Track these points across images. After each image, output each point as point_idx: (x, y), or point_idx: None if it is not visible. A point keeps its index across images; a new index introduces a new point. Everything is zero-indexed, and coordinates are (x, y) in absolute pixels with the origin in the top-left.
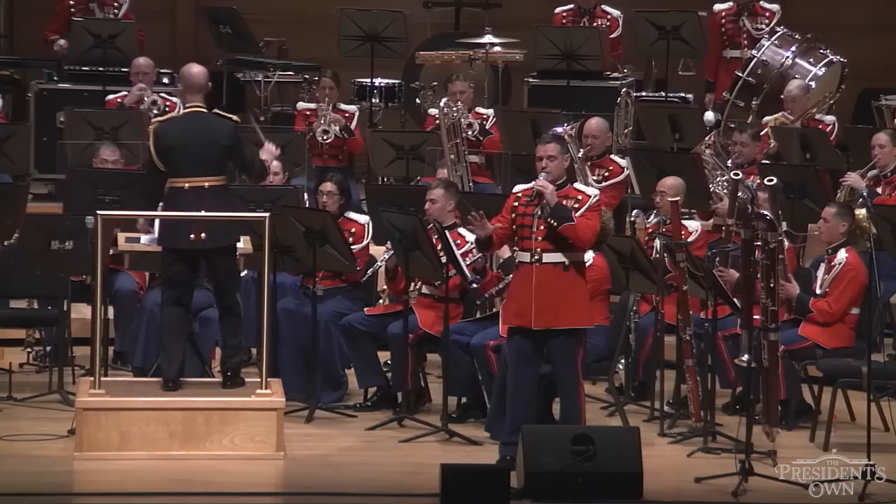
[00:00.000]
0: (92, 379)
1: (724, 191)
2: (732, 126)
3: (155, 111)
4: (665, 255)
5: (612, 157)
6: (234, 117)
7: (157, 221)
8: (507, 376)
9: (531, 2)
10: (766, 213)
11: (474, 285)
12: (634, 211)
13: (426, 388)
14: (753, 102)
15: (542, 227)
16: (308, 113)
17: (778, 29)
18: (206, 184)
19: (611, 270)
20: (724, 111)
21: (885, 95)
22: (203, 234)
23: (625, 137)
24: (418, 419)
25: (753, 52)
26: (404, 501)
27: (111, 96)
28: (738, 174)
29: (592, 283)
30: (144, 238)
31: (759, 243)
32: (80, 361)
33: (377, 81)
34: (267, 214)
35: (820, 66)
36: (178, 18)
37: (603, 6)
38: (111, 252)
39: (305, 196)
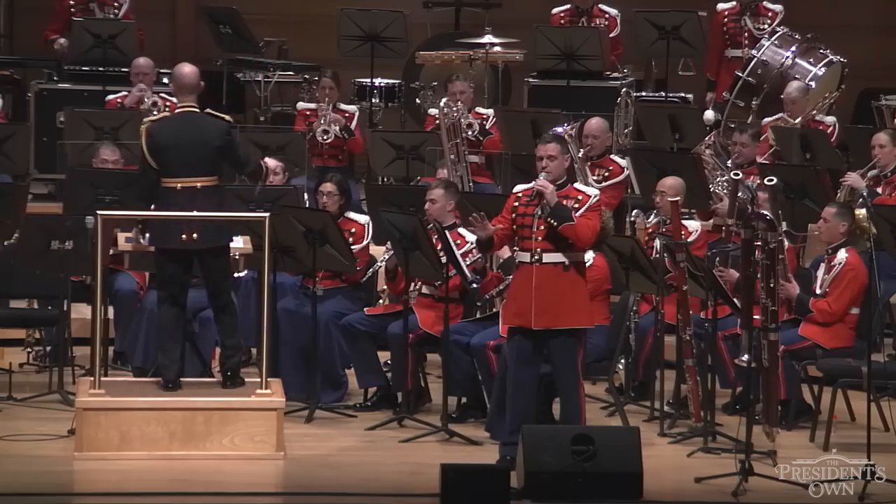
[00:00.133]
0: (92, 379)
1: (724, 191)
2: (732, 126)
3: (155, 112)
4: (665, 255)
5: (612, 157)
6: (227, 117)
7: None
8: (507, 376)
9: (531, 2)
10: (766, 213)
11: (474, 285)
12: (634, 211)
13: (426, 388)
14: (753, 102)
15: (542, 227)
16: (308, 113)
17: (778, 29)
18: (199, 184)
19: (611, 270)
20: (724, 111)
21: (885, 95)
22: (195, 235)
23: (625, 137)
24: (418, 419)
25: (753, 52)
26: (404, 501)
27: (111, 96)
28: (738, 174)
29: (592, 283)
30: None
31: (759, 243)
32: (80, 361)
33: (377, 81)
34: (267, 214)
35: (820, 66)
36: (178, 18)
37: (600, 5)
38: (111, 252)
39: (305, 196)
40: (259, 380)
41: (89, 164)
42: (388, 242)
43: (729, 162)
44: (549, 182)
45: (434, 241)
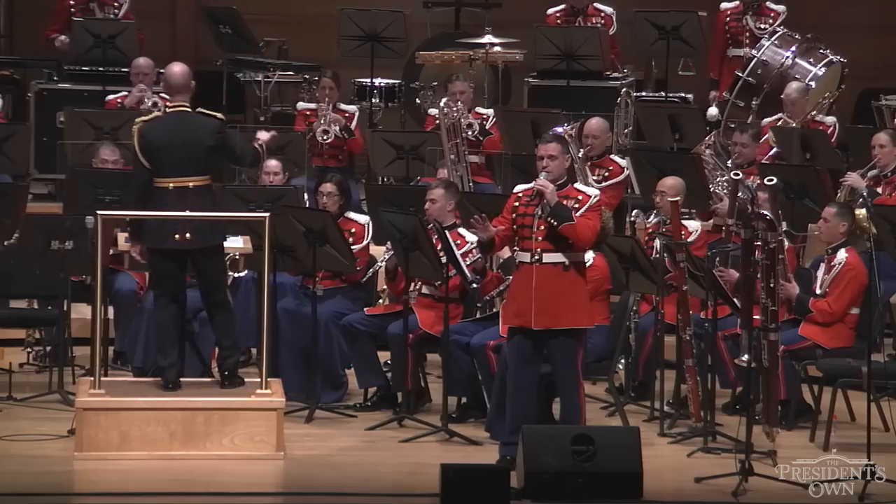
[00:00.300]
0: (92, 379)
1: (724, 191)
2: (732, 126)
3: (156, 112)
4: (665, 255)
5: (612, 157)
6: (219, 115)
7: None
8: (507, 376)
9: (531, 2)
10: (766, 213)
11: (474, 285)
12: (634, 211)
13: (426, 388)
14: (753, 102)
15: (542, 227)
16: (308, 113)
17: (778, 29)
18: (190, 184)
19: (611, 270)
20: (724, 111)
21: (885, 95)
22: (188, 235)
23: (625, 137)
24: (418, 419)
25: (753, 51)
26: (404, 501)
27: (111, 96)
28: (738, 174)
29: (593, 284)
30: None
31: (759, 243)
32: (80, 361)
33: (377, 81)
34: (267, 214)
35: (820, 66)
36: (178, 18)
37: (595, 4)
38: (111, 252)
39: (305, 196)
40: (259, 380)
41: (89, 164)
42: (388, 242)
43: (729, 162)
44: (549, 182)
45: (434, 241)
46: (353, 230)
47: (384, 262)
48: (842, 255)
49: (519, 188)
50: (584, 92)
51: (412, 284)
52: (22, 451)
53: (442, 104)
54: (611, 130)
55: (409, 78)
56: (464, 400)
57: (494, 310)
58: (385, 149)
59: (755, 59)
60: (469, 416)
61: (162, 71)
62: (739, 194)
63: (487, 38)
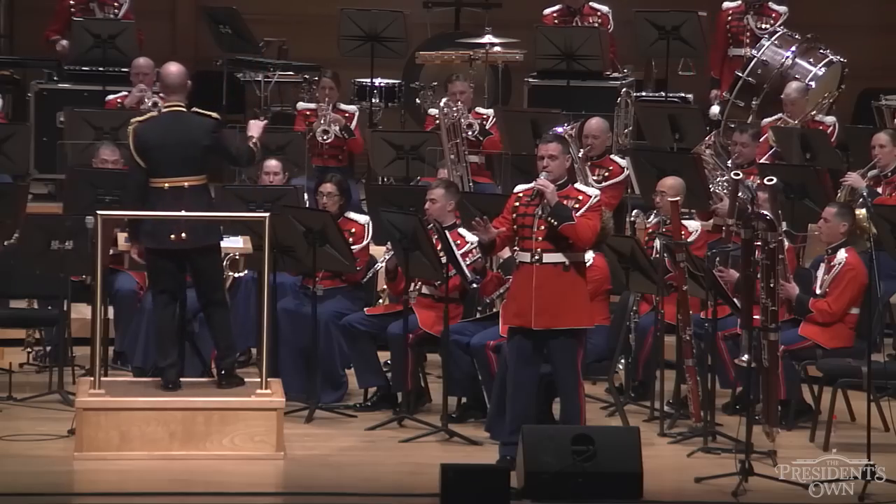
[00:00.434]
0: (92, 379)
1: (724, 191)
2: (732, 126)
3: (151, 112)
4: (665, 255)
5: (612, 157)
6: (214, 115)
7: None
8: (507, 376)
9: (531, 2)
10: (766, 213)
11: (474, 285)
12: (634, 211)
13: (426, 388)
14: (753, 102)
15: (542, 227)
16: (308, 113)
17: (778, 29)
18: (186, 184)
19: (611, 270)
20: (724, 111)
21: (885, 95)
22: (184, 235)
23: (625, 137)
24: (418, 419)
25: (753, 51)
26: (404, 501)
27: (111, 96)
28: (738, 174)
29: (593, 284)
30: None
31: (759, 243)
32: (80, 361)
33: (377, 81)
34: (267, 214)
35: (820, 66)
36: (178, 18)
37: (591, 3)
38: (111, 252)
39: (305, 196)
40: (259, 380)
41: (89, 164)
42: (389, 243)
43: (729, 162)
44: (549, 182)
45: (434, 241)
46: (353, 230)
47: (384, 263)
48: (842, 255)
49: (519, 188)
50: (584, 92)
51: (412, 284)
52: (22, 451)
53: (442, 104)
54: (611, 130)
55: (409, 78)
56: (464, 400)
57: (494, 310)
58: (385, 149)
59: (755, 59)
60: (469, 416)
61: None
62: (739, 194)
63: (487, 38)
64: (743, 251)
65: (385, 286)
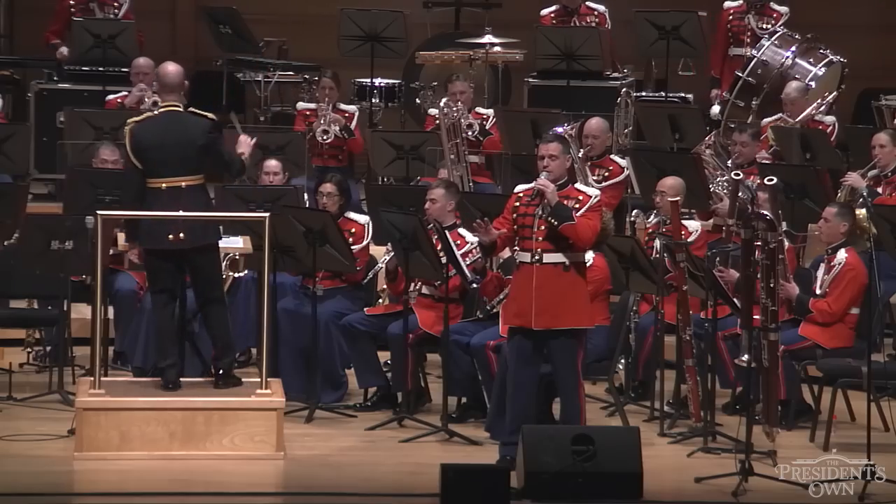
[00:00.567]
0: (92, 379)
1: (724, 191)
2: (732, 126)
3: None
4: (665, 255)
5: (612, 157)
6: (210, 115)
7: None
8: (507, 376)
9: (531, 2)
10: (766, 213)
11: (474, 285)
12: (634, 211)
13: (426, 388)
14: (753, 102)
15: (542, 228)
16: (308, 113)
17: (778, 29)
18: (183, 183)
19: (611, 270)
20: (724, 111)
21: (885, 95)
22: (182, 235)
23: (625, 137)
24: (418, 419)
25: (753, 51)
26: (404, 501)
27: (111, 96)
28: (738, 174)
29: (593, 284)
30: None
31: (759, 243)
32: (80, 361)
33: (377, 81)
34: (267, 214)
35: (820, 66)
36: (178, 18)
37: (588, 3)
38: (111, 252)
39: (305, 196)
40: (259, 380)
41: (89, 164)
42: (389, 244)
43: (729, 162)
44: (550, 182)
45: (434, 241)
46: (353, 230)
47: (384, 264)
48: (842, 255)
49: (520, 188)
50: (584, 92)
51: (412, 284)
52: (22, 451)
53: (442, 104)
54: (611, 130)
55: (409, 78)
56: (464, 400)
57: (494, 310)
58: (385, 149)
59: (755, 59)
60: (469, 416)
61: None
62: (739, 194)
63: (487, 38)
64: (743, 251)
65: (385, 286)
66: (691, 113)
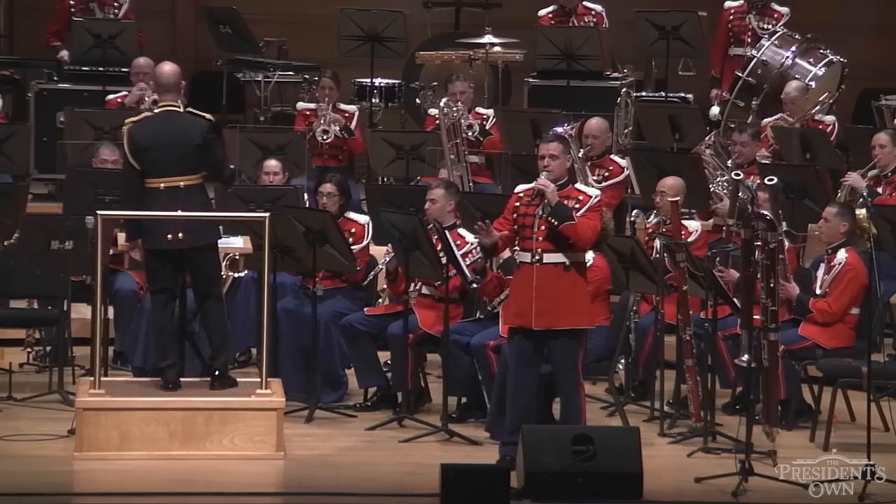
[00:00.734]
0: (92, 379)
1: (724, 191)
2: (732, 126)
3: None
4: (665, 255)
5: (612, 157)
6: (208, 115)
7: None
8: (507, 376)
9: (531, 2)
10: (766, 213)
11: (474, 285)
12: (634, 211)
13: (426, 388)
14: (753, 102)
15: (542, 228)
16: (308, 113)
17: (778, 29)
18: (181, 183)
19: (611, 270)
20: (724, 111)
21: (885, 95)
22: (181, 234)
23: (625, 137)
24: (418, 419)
25: (753, 51)
26: (404, 501)
27: (111, 96)
28: (738, 174)
29: (593, 284)
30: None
31: (759, 243)
32: (80, 361)
33: (377, 81)
34: (267, 214)
35: (820, 66)
36: (178, 18)
37: (585, 3)
38: (111, 252)
39: (305, 196)
40: (259, 380)
41: (89, 164)
42: (389, 244)
43: (729, 162)
44: (550, 182)
45: (434, 241)
46: (353, 230)
47: (384, 264)
48: (842, 255)
49: (520, 188)
50: (584, 92)
51: (412, 284)
52: (22, 451)
53: (442, 104)
54: (611, 130)
55: (409, 78)
56: (464, 400)
57: (495, 310)
58: (385, 149)
59: (755, 59)
60: (469, 416)
61: None
62: (739, 194)
63: (487, 38)
64: (743, 251)
65: (385, 286)
66: (691, 113)
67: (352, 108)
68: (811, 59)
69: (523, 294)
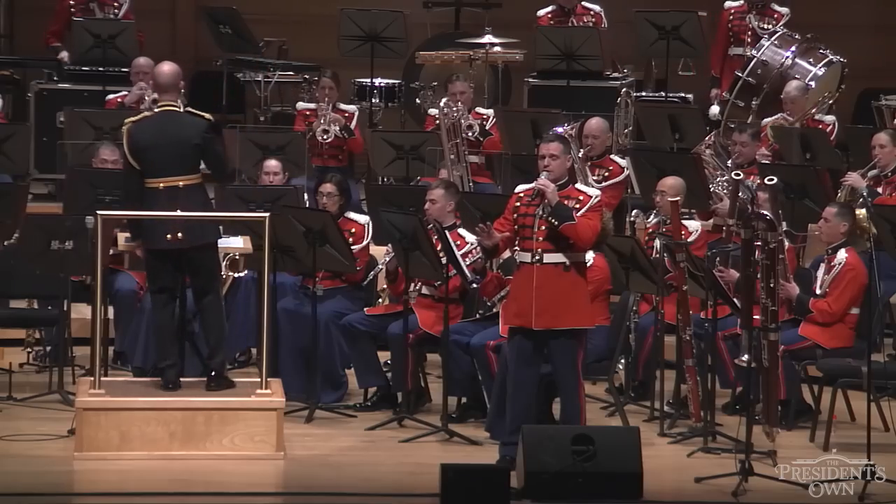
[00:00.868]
0: (92, 379)
1: (724, 191)
2: (732, 126)
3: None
4: (665, 255)
5: (612, 157)
6: (207, 115)
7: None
8: (507, 376)
9: (531, 2)
10: (766, 213)
11: (474, 285)
12: (634, 211)
13: (426, 388)
14: (753, 102)
15: (543, 228)
16: (308, 113)
17: (778, 29)
18: (181, 183)
19: (611, 270)
20: (724, 111)
21: (885, 95)
22: (180, 234)
23: (625, 137)
24: (418, 419)
25: (753, 51)
26: (404, 501)
27: (111, 96)
28: (738, 174)
29: (593, 284)
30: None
31: (759, 243)
32: (80, 361)
33: (377, 81)
34: (267, 214)
35: (820, 66)
36: (178, 18)
37: (584, 3)
38: (111, 252)
39: (305, 196)
40: (259, 380)
41: (89, 164)
42: (390, 245)
43: (729, 162)
44: (550, 181)
45: (434, 241)
46: (353, 230)
47: (384, 265)
48: (842, 255)
49: (520, 188)
50: (584, 92)
51: (412, 284)
52: (22, 451)
53: (442, 104)
54: (611, 130)
55: (409, 78)
56: (464, 400)
57: (494, 310)
58: (385, 149)
59: (755, 59)
60: (469, 416)
61: None
62: (739, 194)
63: (487, 38)
64: (743, 251)
65: (385, 286)
66: (691, 113)
67: (352, 108)
68: (811, 59)
69: (523, 294)
